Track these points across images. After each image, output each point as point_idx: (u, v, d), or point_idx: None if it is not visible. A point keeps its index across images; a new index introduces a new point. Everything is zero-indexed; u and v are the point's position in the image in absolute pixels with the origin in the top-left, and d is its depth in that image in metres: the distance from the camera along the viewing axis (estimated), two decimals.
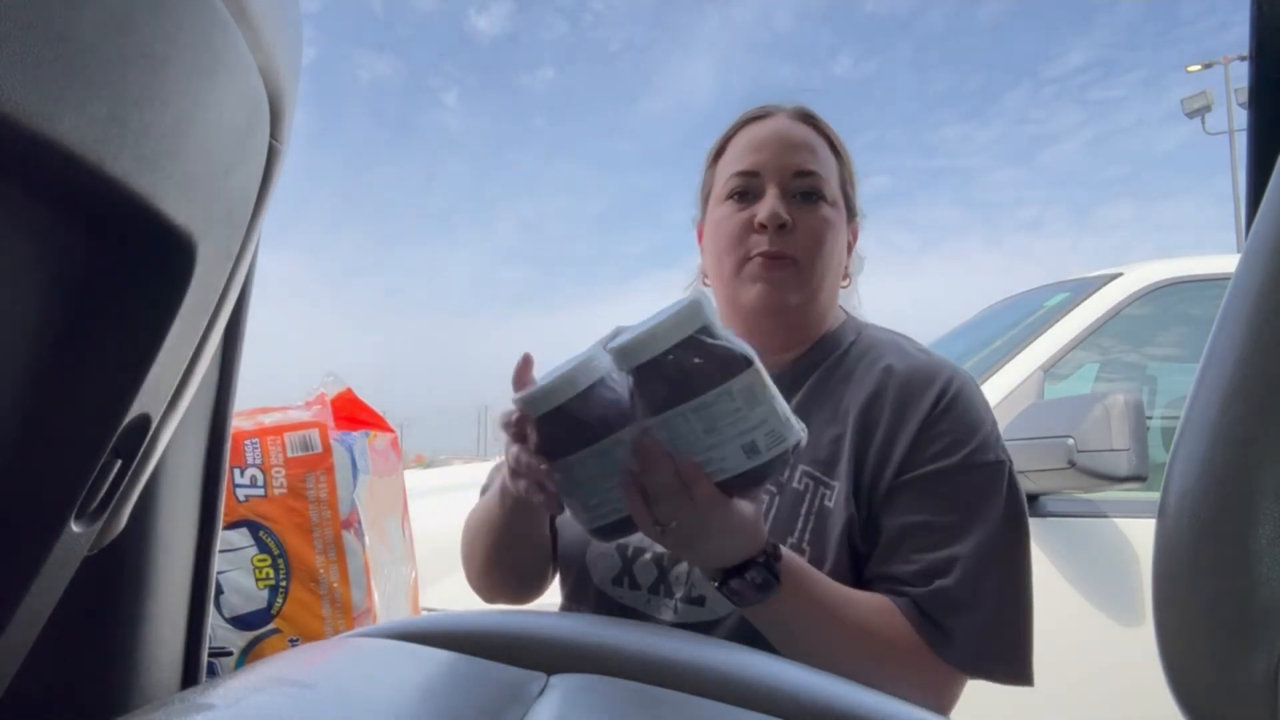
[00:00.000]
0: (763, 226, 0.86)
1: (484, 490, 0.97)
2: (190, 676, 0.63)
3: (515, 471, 0.70)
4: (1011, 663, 0.76)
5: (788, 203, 0.87)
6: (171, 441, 0.51)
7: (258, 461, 0.93)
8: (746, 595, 0.68)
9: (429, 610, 1.25)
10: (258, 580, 0.91)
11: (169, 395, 0.45)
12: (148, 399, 0.42)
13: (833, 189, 0.90)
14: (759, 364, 0.62)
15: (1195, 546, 0.34)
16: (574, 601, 0.87)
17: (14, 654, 0.45)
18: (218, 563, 0.66)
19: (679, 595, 0.81)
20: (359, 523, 0.96)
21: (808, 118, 0.93)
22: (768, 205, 0.86)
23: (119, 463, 0.44)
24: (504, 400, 0.70)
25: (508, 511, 0.80)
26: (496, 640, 0.50)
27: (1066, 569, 1.68)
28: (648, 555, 0.83)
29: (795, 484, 0.81)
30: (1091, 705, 1.59)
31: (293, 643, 0.90)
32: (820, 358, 0.89)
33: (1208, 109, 16.50)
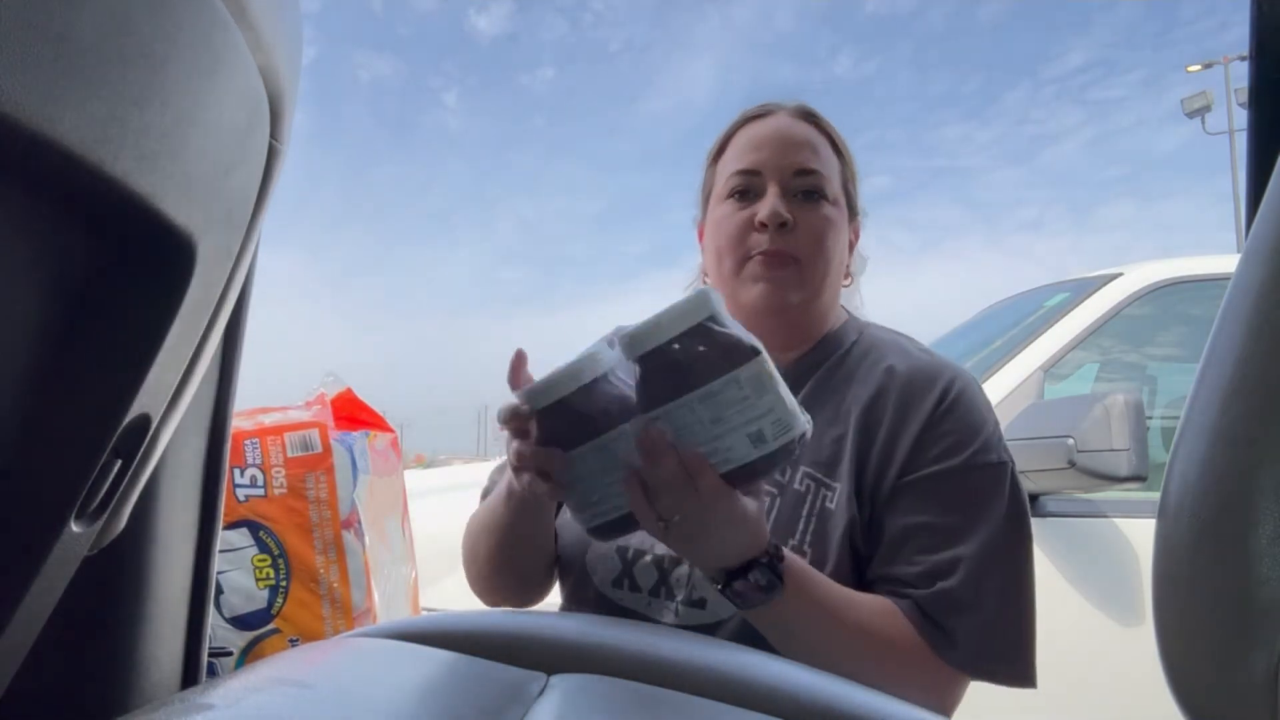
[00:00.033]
0: (764, 225, 0.86)
1: (485, 494, 0.97)
2: (190, 676, 0.63)
3: (518, 466, 0.69)
4: (1014, 664, 0.76)
5: (789, 201, 0.87)
6: (171, 441, 0.51)
7: (258, 461, 0.93)
8: (750, 597, 0.68)
9: (429, 610, 1.25)
10: (258, 580, 0.91)
11: (169, 395, 0.45)
12: (148, 399, 0.42)
13: (834, 187, 0.89)
14: (766, 354, 0.62)
15: (1195, 546, 0.34)
16: (574, 604, 0.87)
17: (14, 654, 0.45)
18: (218, 563, 0.66)
19: (680, 598, 0.80)
20: (359, 523, 0.96)
21: (809, 116, 0.92)
22: (769, 204, 0.86)
23: (119, 463, 0.43)
24: (504, 400, 0.69)
25: (512, 512, 0.80)
26: (496, 640, 0.50)
27: (1066, 569, 1.68)
28: (648, 557, 0.83)
29: (796, 485, 0.81)
30: (1091, 705, 1.59)
31: (293, 643, 0.90)
32: (822, 357, 0.89)
33: (1208, 109, 16.50)
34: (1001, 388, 1.85)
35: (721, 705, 0.44)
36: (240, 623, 0.90)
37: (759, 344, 0.62)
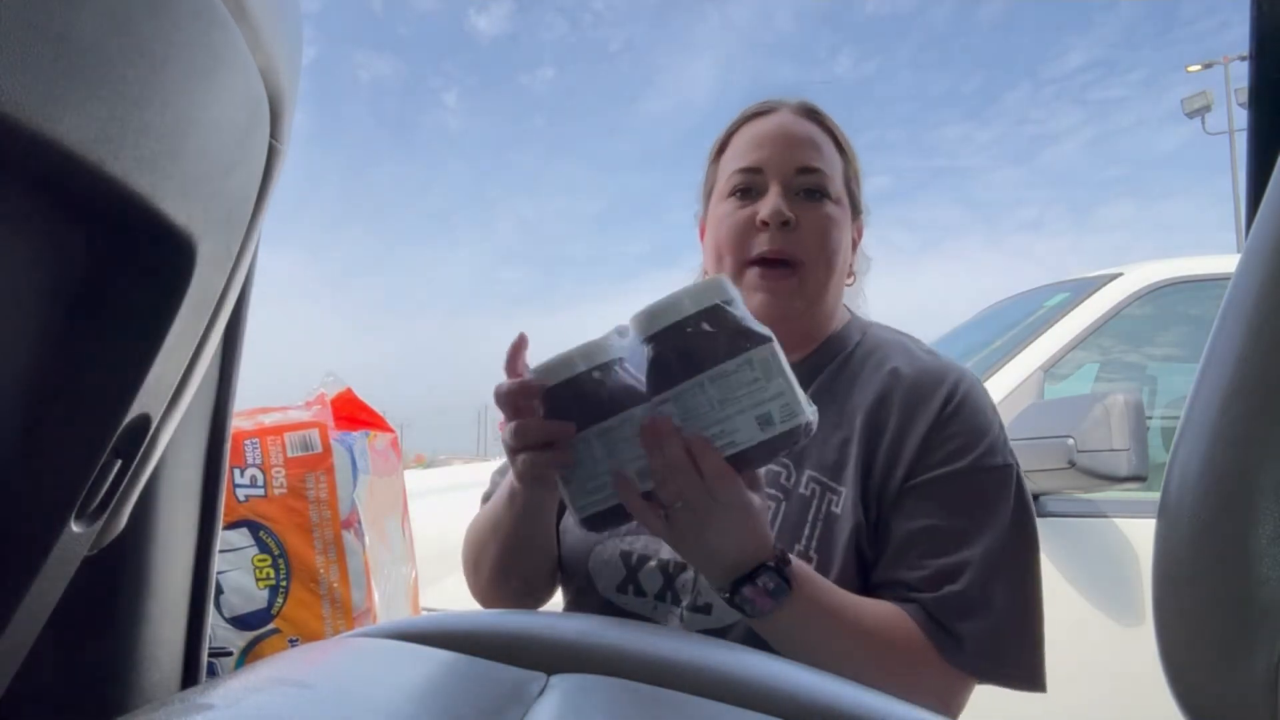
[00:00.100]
0: (765, 224, 0.85)
1: (485, 498, 0.96)
2: (190, 676, 0.63)
3: (517, 446, 0.67)
4: (1023, 668, 0.75)
5: (790, 200, 0.86)
6: (171, 441, 0.51)
7: (258, 461, 0.93)
8: (759, 603, 0.67)
9: (429, 610, 1.25)
10: (258, 580, 0.91)
11: (169, 395, 0.45)
12: (148, 399, 0.42)
13: (837, 186, 0.88)
14: (777, 343, 0.63)
15: (1195, 546, 0.34)
16: (577, 609, 0.86)
17: (14, 654, 0.45)
18: (218, 563, 0.66)
19: (685, 603, 0.80)
20: (359, 523, 0.96)
21: (812, 113, 0.91)
22: (770, 203, 0.85)
23: (119, 463, 0.43)
24: (504, 382, 0.69)
25: (514, 514, 0.79)
26: (496, 640, 0.50)
27: (1067, 569, 1.68)
28: (653, 562, 0.82)
29: (802, 489, 0.80)
30: (1091, 705, 1.58)
31: (293, 643, 0.90)
32: (826, 359, 0.88)
33: (1208, 109, 16.50)
34: (1002, 388, 1.85)
35: (722, 705, 0.44)
36: (240, 623, 0.90)
37: (770, 333, 0.63)
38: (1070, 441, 1.58)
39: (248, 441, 0.94)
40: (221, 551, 0.81)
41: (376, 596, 0.97)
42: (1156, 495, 0.37)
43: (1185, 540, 0.34)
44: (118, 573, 0.56)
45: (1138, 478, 1.56)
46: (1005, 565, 0.75)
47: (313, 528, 0.93)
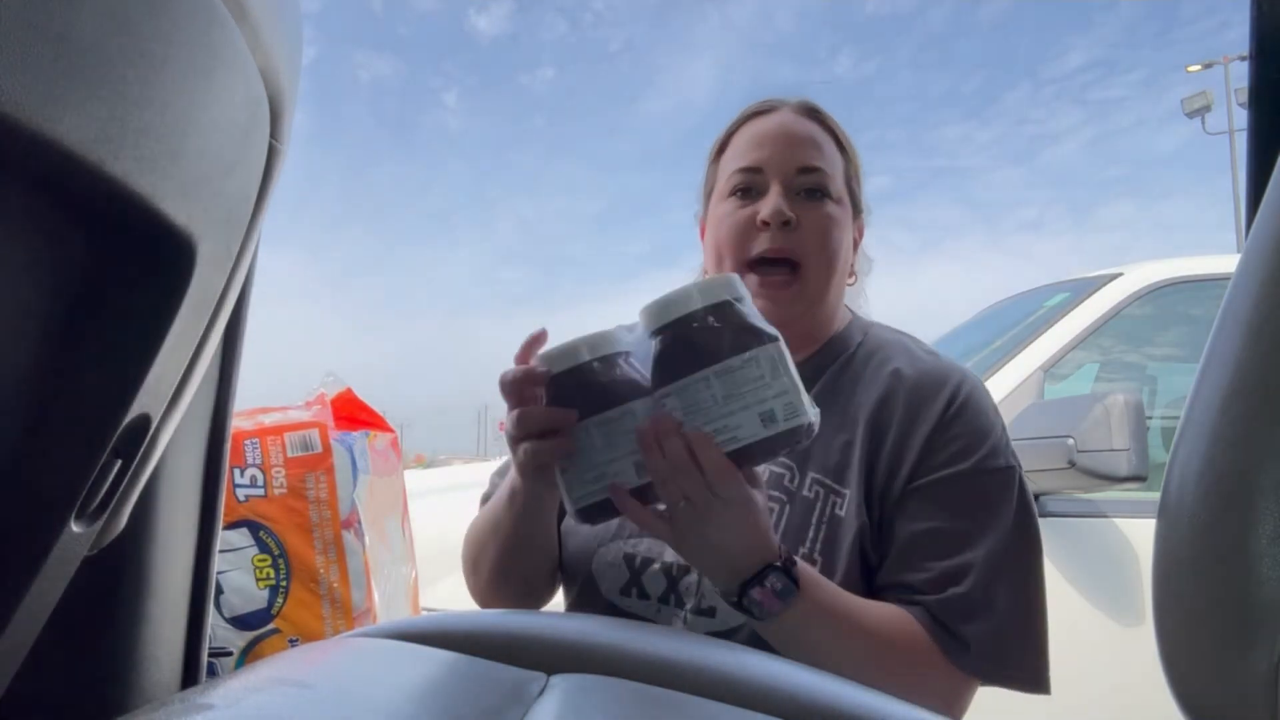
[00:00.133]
0: (766, 224, 0.84)
1: (484, 499, 0.96)
2: (190, 676, 0.63)
3: (519, 434, 0.67)
4: (1029, 670, 0.75)
5: (791, 200, 0.85)
6: (171, 441, 0.51)
7: (258, 461, 0.93)
8: (768, 605, 0.66)
9: (429, 610, 1.25)
10: (258, 580, 0.91)
11: (169, 395, 0.45)
12: (148, 399, 0.42)
13: (838, 185, 0.88)
14: (784, 344, 0.63)
15: (1195, 546, 0.34)
16: (580, 612, 0.86)
17: (14, 654, 0.45)
18: (218, 563, 0.66)
19: (689, 606, 0.79)
20: (359, 523, 0.96)
21: (812, 112, 0.91)
22: (771, 203, 0.85)
23: (119, 463, 0.43)
24: (503, 403, 0.69)
25: (514, 512, 0.79)
26: (496, 640, 0.50)
27: (1066, 569, 1.68)
28: (657, 565, 0.81)
29: (805, 492, 0.80)
30: (1091, 705, 1.58)
31: (293, 643, 0.90)
32: (829, 360, 0.88)
33: (1208, 109, 16.50)
34: (1001, 388, 1.85)
35: (722, 705, 0.44)
36: (240, 623, 0.90)
37: (778, 333, 0.63)
38: (1070, 441, 1.58)
39: (248, 441, 0.94)
40: (221, 551, 0.81)
41: (376, 596, 0.97)
42: (1156, 495, 0.37)
43: (1185, 540, 0.34)
44: (118, 573, 0.56)
45: (1138, 478, 1.56)
46: (1008, 567, 0.75)
47: (313, 528, 0.93)
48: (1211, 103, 16.41)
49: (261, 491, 0.93)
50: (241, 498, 0.92)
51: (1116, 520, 1.72)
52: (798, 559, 0.69)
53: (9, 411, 0.38)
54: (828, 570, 0.76)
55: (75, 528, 0.43)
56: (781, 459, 0.81)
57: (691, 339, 0.62)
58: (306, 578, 0.92)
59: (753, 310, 0.64)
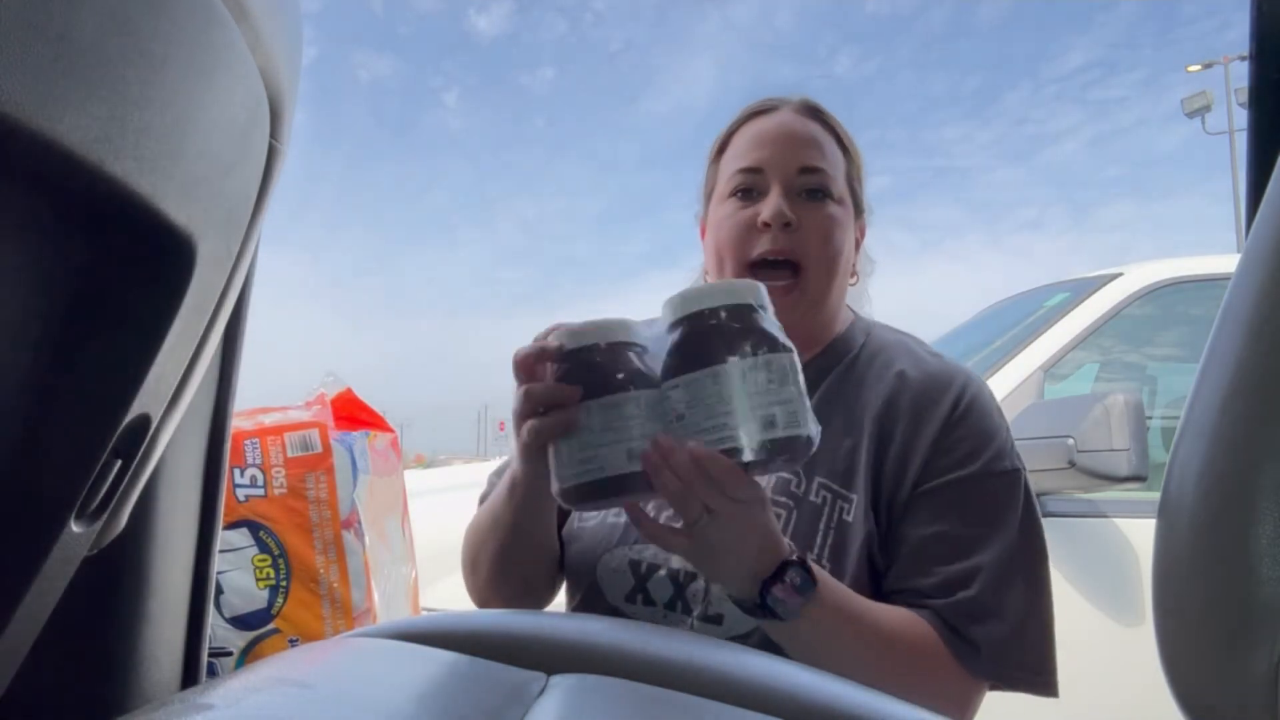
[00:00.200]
0: (766, 225, 0.84)
1: (483, 498, 0.95)
2: (190, 676, 0.63)
3: (524, 411, 0.66)
4: (1038, 673, 0.75)
5: (792, 200, 0.85)
6: (171, 441, 0.51)
7: (258, 461, 0.93)
8: (789, 601, 0.65)
9: (429, 610, 1.25)
10: (258, 580, 0.91)
11: (169, 395, 0.45)
12: (148, 399, 0.42)
13: (839, 185, 0.87)
14: (797, 357, 0.64)
15: (1195, 546, 0.34)
16: None
17: (14, 654, 0.45)
18: (218, 563, 0.66)
19: (696, 613, 0.79)
20: (359, 523, 0.96)
21: (814, 112, 0.90)
22: (771, 204, 0.84)
23: (119, 463, 0.43)
24: (504, 400, 0.69)
25: (514, 507, 0.78)
26: (496, 640, 0.50)
27: (1066, 569, 1.68)
28: (662, 572, 0.81)
29: (812, 497, 0.79)
30: (1091, 705, 1.58)
31: (293, 643, 0.90)
32: (832, 361, 0.88)
33: (1208, 109, 16.50)
34: (1002, 388, 1.85)
35: (722, 705, 0.44)
36: (240, 623, 0.90)
37: (793, 346, 0.64)
38: (1070, 441, 1.59)
39: (248, 441, 0.94)
40: (221, 551, 0.81)
41: (376, 596, 0.97)
42: (1156, 495, 0.37)
43: (1185, 540, 0.34)
44: (118, 573, 0.56)
45: (1138, 478, 1.56)
46: (1016, 570, 0.75)
47: (313, 528, 0.93)
48: (1211, 103, 16.42)
49: (261, 491, 0.93)
50: (241, 498, 0.92)
51: (1116, 520, 1.72)
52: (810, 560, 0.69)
53: (9, 412, 0.38)
54: (836, 575, 0.75)
55: (75, 528, 0.43)
56: None
57: (708, 334, 0.63)
58: (306, 578, 0.92)
59: (773, 322, 0.64)
